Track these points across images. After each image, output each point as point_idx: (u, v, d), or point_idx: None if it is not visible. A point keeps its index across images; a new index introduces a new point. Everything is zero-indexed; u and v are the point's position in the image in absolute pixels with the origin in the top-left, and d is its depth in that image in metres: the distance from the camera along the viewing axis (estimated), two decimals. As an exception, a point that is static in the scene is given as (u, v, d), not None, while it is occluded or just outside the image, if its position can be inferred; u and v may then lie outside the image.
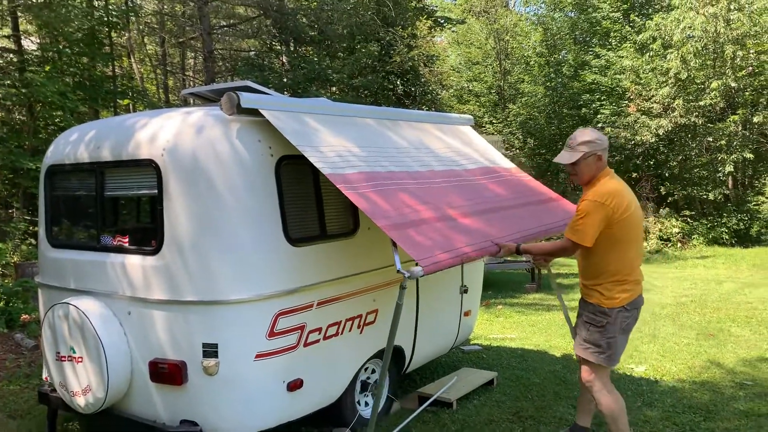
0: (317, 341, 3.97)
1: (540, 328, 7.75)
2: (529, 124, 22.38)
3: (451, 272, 5.32)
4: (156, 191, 3.71)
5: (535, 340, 7.16)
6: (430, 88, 18.15)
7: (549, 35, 22.59)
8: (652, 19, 18.55)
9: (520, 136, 22.34)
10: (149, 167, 3.73)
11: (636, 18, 19.92)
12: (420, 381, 5.65)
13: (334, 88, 17.16)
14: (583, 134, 3.74)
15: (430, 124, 5.27)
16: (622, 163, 20.68)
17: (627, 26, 20.27)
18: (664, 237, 17.49)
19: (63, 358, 3.96)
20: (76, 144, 4.22)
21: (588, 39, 22.58)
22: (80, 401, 3.89)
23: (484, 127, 23.33)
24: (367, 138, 4.29)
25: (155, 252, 3.70)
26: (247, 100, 3.62)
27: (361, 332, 4.34)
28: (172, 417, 3.71)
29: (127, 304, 3.82)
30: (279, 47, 17.06)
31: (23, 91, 10.47)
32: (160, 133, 3.75)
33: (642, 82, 18.39)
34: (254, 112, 3.71)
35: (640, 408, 4.92)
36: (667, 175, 19.42)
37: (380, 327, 4.51)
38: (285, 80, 15.54)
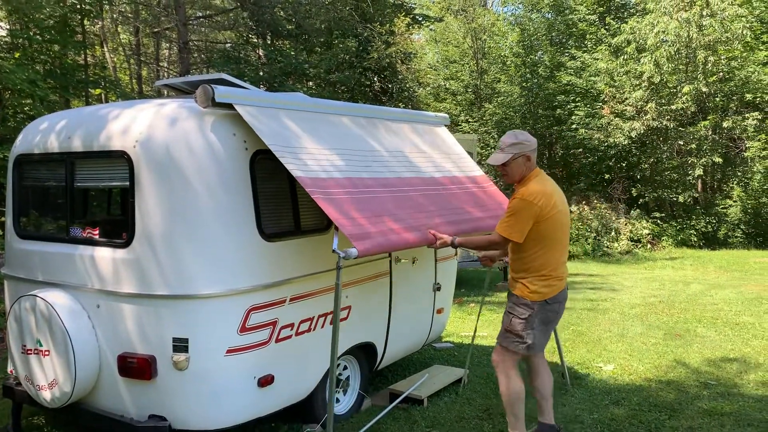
0: (289, 337, 3.96)
1: (511, 327, 7.81)
2: (505, 123, 22.51)
3: (425, 270, 5.35)
4: (128, 183, 3.66)
5: (506, 338, 7.22)
6: (407, 85, 18.16)
7: (526, 36, 22.74)
8: (627, 22, 18.80)
9: (496, 135, 22.47)
10: (121, 159, 3.68)
11: (611, 21, 20.19)
12: (391, 378, 5.66)
13: (310, 83, 17.07)
14: (513, 137, 3.94)
15: (405, 123, 5.24)
16: (595, 164, 20.93)
17: (602, 29, 20.51)
18: (635, 238, 17.76)
19: (29, 351, 3.90)
20: (46, 133, 4.14)
21: (564, 41, 22.78)
22: (46, 395, 3.83)
23: (460, 125, 23.41)
24: (341, 139, 4.28)
25: (126, 245, 3.65)
26: (221, 94, 3.59)
27: (333, 328, 4.33)
28: (140, 412, 3.68)
29: (96, 297, 3.77)
30: (255, 40, 16.92)
31: (-9, 77, 10.22)
32: (132, 125, 3.70)
33: (616, 84, 18.63)
34: (229, 106, 3.68)
35: (608, 406, 4.99)
36: (638, 177, 19.71)
37: (353, 323, 4.51)
38: (261, 73, 15.41)
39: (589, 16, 21.18)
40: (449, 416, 4.79)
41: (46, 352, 3.79)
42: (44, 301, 3.77)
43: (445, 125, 5.84)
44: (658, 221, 18.54)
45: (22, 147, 4.31)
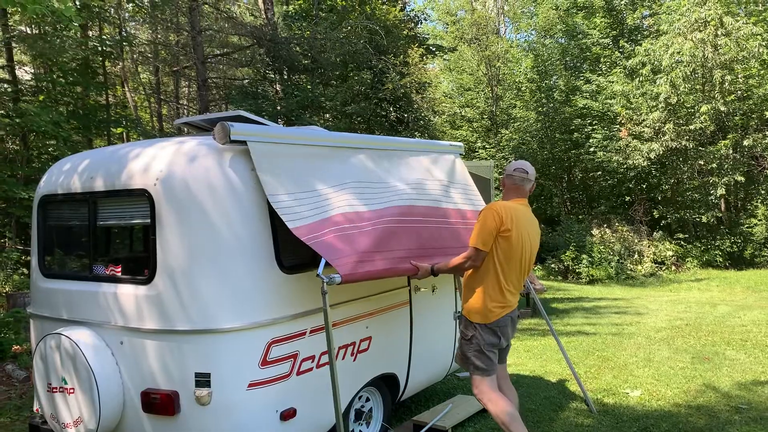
0: (310, 369, 3.95)
1: (535, 354, 7.73)
2: (522, 148, 22.56)
3: (445, 298, 5.33)
4: (149, 220, 3.71)
5: (530, 366, 7.14)
6: (423, 114, 18.28)
7: (540, 61, 22.87)
8: (641, 44, 18.83)
9: (513, 161, 22.49)
10: (142, 197, 3.75)
11: (625, 44, 20.21)
12: (415, 409, 5.61)
13: (327, 115, 17.26)
14: (531, 169, 4.20)
15: (419, 155, 5.20)
16: (615, 186, 20.82)
17: (617, 52, 20.56)
18: (658, 260, 17.55)
19: (54, 390, 3.93)
20: (69, 174, 4.23)
21: (578, 65, 22.87)
22: (71, 433, 3.85)
23: (477, 152, 23.48)
24: (349, 172, 4.27)
25: (148, 281, 3.69)
26: (237, 131, 3.65)
27: (354, 360, 4.32)
28: (164, 448, 3.67)
29: (119, 334, 3.81)
30: (272, 75, 17.19)
31: (17, 120, 10.50)
32: (153, 163, 3.77)
33: (633, 106, 18.60)
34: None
35: (636, 433, 4.90)
36: (659, 198, 19.55)
37: (374, 354, 4.50)
38: (279, 108, 15.64)
39: (603, 40, 21.25)
40: (474, 447, 4.73)
41: (71, 390, 3.83)
42: (69, 339, 3.81)
43: (460, 154, 5.83)
44: (682, 242, 18.31)
45: (46, 188, 4.41)
